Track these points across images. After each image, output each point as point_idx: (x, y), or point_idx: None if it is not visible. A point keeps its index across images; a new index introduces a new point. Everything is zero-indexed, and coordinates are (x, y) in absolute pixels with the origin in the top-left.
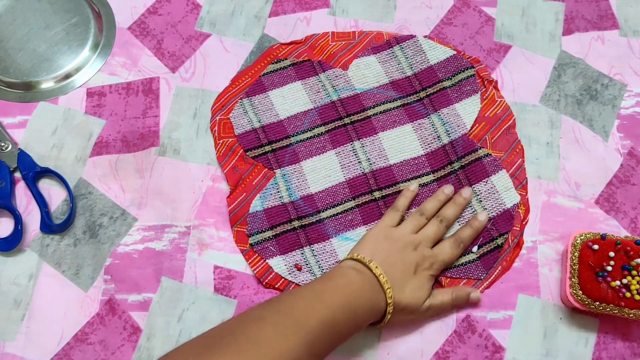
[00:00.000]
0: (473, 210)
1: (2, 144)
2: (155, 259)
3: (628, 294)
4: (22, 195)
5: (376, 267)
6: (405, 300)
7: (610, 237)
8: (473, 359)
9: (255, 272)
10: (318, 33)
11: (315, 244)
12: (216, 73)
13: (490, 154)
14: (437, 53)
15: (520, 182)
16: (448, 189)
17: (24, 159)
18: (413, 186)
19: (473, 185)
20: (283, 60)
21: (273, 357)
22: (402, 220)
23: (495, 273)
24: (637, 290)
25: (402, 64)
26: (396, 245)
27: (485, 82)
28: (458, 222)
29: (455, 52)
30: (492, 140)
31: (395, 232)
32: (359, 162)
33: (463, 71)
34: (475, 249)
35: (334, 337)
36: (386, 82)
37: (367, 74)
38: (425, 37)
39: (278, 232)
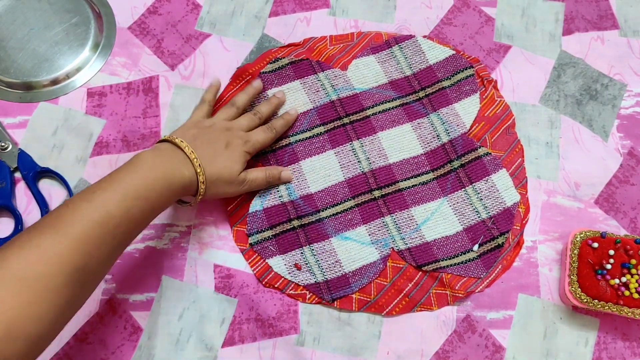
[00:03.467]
0: (474, 208)
1: (3, 144)
2: (156, 258)
3: (627, 292)
4: (22, 195)
5: (181, 141)
6: (217, 170)
7: (610, 235)
8: (473, 359)
9: (254, 271)
10: (316, 36)
11: (314, 244)
12: (216, 72)
13: (490, 153)
14: (436, 53)
15: (520, 182)
16: (257, 83)
17: (24, 159)
18: (214, 81)
19: (473, 184)
20: (281, 59)
21: (20, 278)
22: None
23: (496, 272)
24: (635, 288)
25: (401, 64)
26: (207, 130)
27: (485, 82)
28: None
29: (454, 52)
30: (492, 140)
31: (207, 121)
32: (358, 161)
33: (462, 71)
34: (475, 247)
35: (118, 226)
36: (385, 82)
37: (366, 73)
38: (424, 37)
39: (277, 232)
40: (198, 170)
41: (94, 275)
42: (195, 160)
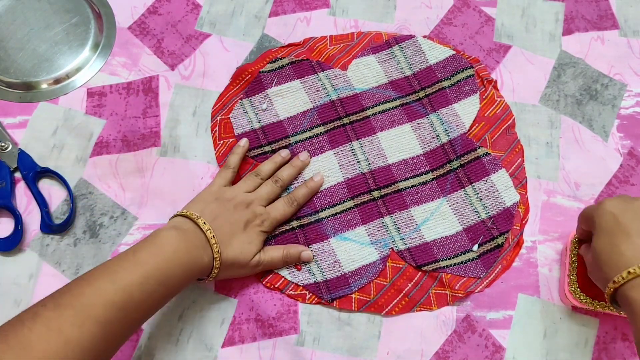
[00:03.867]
0: (474, 208)
1: (3, 144)
2: None
3: None
4: (22, 195)
5: (204, 222)
6: (232, 255)
7: None
8: (473, 359)
9: None
10: (316, 36)
11: (314, 244)
12: (216, 72)
13: (490, 153)
14: (436, 53)
15: (520, 182)
16: (284, 152)
17: (24, 159)
18: (243, 141)
19: (473, 184)
20: (281, 59)
21: (43, 358)
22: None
23: (495, 272)
24: None
25: (401, 64)
26: (227, 205)
27: (485, 82)
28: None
29: (454, 52)
30: (492, 140)
31: (227, 191)
32: (357, 162)
33: (462, 71)
34: (475, 247)
35: (138, 311)
36: (385, 82)
37: (366, 73)
38: (424, 37)
39: (277, 232)
40: (216, 256)
41: (107, 355)
42: (215, 245)
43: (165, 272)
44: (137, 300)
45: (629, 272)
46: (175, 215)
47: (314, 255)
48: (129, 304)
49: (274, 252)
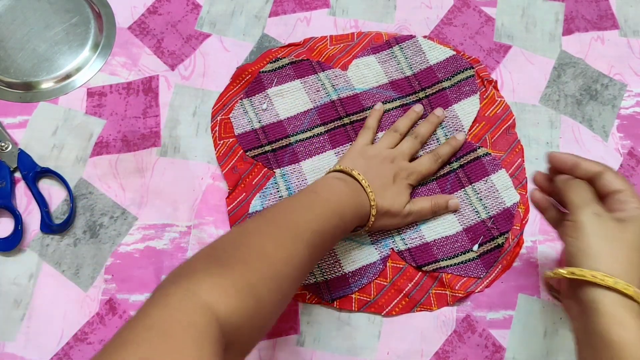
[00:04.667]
0: (474, 208)
1: (2, 144)
2: (156, 258)
3: None
4: (22, 195)
5: (358, 174)
6: (386, 204)
7: None
8: (473, 359)
9: None
10: (316, 36)
11: None
12: (216, 72)
13: (490, 153)
14: (436, 53)
15: (520, 182)
16: (418, 107)
17: (24, 159)
18: (378, 105)
19: (473, 184)
20: (281, 59)
21: (277, 265)
22: (375, 139)
23: (495, 272)
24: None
25: (401, 64)
26: (374, 161)
27: (485, 82)
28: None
29: (454, 53)
30: (492, 140)
31: (370, 149)
32: None
33: (462, 72)
34: (475, 247)
35: (326, 243)
36: (385, 82)
37: (366, 74)
38: (425, 37)
39: None
40: (372, 204)
41: (304, 277)
42: (370, 193)
43: (343, 210)
44: (327, 231)
45: (616, 282)
46: (330, 172)
47: None
48: (323, 233)
49: (423, 203)
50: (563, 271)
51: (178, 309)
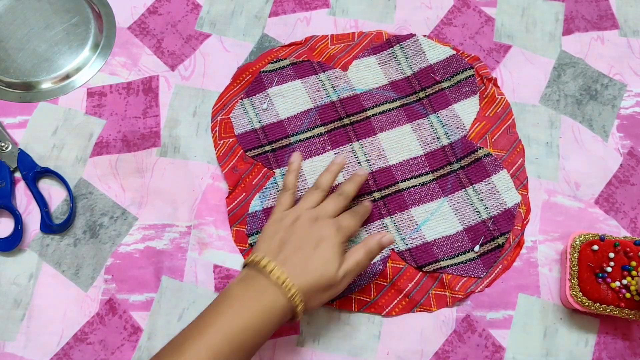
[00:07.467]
0: (474, 208)
1: (2, 144)
2: (156, 258)
3: (628, 295)
4: (22, 195)
5: (272, 269)
6: (312, 281)
7: (609, 238)
8: (473, 359)
9: None
10: (317, 35)
11: None
12: (216, 73)
13: (491, 154)
14: (436, 53)
15: (521, 182)
16: (339, 158)
17: (24, 159)
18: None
19: (474, 185)
20: (282, 60)
21: None
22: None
23: (496, 272)
24: (636, 290)
25: (401, 64)
26: (292, 229)
27: (485, 80)
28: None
29: (454, 52)
30: (493, 140)
31: (290, 214)
32: (358, 162)
33: (462, 72)
34: (476, 247)
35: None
36: (386, 82)
37: (366, 74)
38: (424, 37)
39: None
40: (292, 292)
41: None
42: (286, 281)
43: (241, 327)
44: (230, 353)
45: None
46: (244, 265)
47: None
48: (230, 352)
49: (356, 254)
50: None
51: None
